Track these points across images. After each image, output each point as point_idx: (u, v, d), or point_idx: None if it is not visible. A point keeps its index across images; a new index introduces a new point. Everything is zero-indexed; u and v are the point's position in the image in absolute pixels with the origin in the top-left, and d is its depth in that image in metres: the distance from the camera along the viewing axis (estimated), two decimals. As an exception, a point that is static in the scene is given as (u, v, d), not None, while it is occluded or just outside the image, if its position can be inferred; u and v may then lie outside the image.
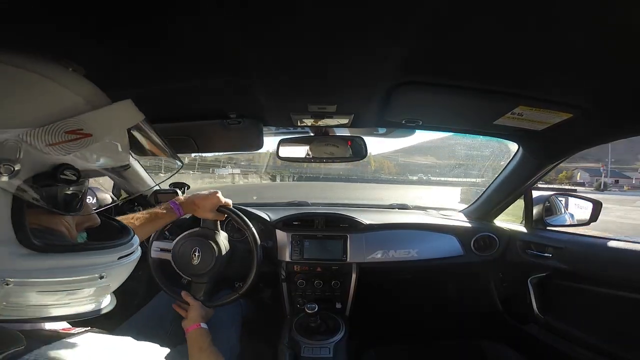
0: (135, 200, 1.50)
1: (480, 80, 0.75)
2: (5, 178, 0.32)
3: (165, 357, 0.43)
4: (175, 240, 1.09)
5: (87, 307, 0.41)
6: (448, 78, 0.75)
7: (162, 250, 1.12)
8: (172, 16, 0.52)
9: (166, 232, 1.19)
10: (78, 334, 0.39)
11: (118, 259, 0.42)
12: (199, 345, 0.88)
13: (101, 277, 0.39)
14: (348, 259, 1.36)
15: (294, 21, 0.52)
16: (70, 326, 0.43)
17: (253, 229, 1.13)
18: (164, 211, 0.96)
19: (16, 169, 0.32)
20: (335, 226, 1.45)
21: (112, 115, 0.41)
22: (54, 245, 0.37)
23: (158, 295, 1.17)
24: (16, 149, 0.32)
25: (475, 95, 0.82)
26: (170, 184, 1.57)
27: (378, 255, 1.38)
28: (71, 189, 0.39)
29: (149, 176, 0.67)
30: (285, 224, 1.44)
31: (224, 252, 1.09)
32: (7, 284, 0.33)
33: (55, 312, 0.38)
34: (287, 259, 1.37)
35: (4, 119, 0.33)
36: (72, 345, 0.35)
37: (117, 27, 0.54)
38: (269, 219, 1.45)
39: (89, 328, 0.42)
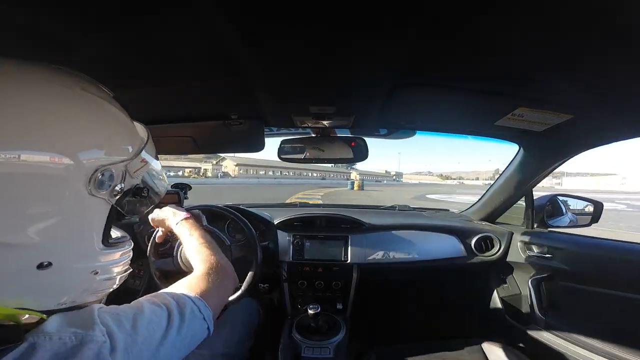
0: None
1: (481, 82, 0.75)
2: (114, 196, 0.43)
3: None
4: (176, 246, 1.11)
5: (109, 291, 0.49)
6: (448, 79, 0.76)
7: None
8: (173, 17, 0.53)
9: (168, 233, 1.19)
10: None
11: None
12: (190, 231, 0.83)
13: (127, 268, 0.51)
14: (349, 260, 1.37)
15: (294, 24, 0.52)
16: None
17: (253, 230, 1.13)
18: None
19: (120, 189, 0.44)
20: (336, 227, 1.45)
21: (151, 146, 0.51)
22: (112, 242, 0.47)
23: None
24: (122, 175, 0.43)
25: (476, 96, 0.83)
26: (172, 185, 1.58)
27: (379, 256, 1.38)
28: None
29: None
30: (286, 224, 1.44)
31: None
32: (97, 273, 0.44)
33: (96, 297, 0.46)
34: (289, 259, 1.38)
35: (116, 153, 0.43)
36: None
37: (117, 27, 0.55)
38: (270, 220, 1.45)
39: None
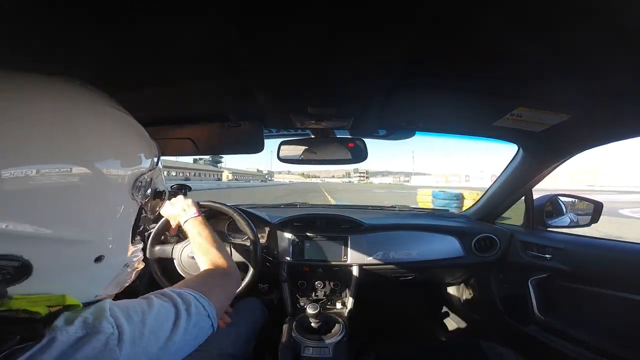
0: None
1: (480, 82, 0.75)
2: (145, 198, 0.50)
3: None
4: (176, 244, 1.12)
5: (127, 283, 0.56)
6: (448, 80, 0.76)
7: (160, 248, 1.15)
8: (172, 18, 0.53)
9: (167, 234, 1.21)
10: None
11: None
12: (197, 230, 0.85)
13: (141, 263, 0.58)
14: (349, 260, 1.37)
15: (293, 24, 0.52)
16: None
17: (255, 229, 1.14)
18: None
19: (149, 193, 0.52)
20: (336, 227, 1.45)
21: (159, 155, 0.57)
22: (136, 239, 0.54)
23: None
24: (150, 181, 0.51)
25: (475, 97, 0.83)
26: (172, 186, 1.59)
27: (378, 257, 1.38)
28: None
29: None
30: (286, 225, 1.45)
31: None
32: (127, 266, 0.52)
33: (120, 288, 0.53)
34: (288, 259, 1.38)
35: (148, 162, 0.50)
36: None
37: (117, 28, 0.55)
38: (270, 220, 1.46)
39: None
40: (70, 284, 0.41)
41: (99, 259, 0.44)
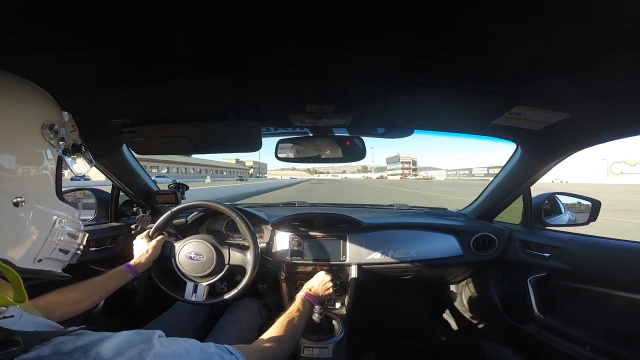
0: (135, 202, 1.51)
1: (478, 81, 0.75)
2: (59, 146, 0.53)
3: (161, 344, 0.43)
4: (175, 242, 1.12)
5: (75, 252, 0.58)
6: (447, 79, 0.75)
7: None
8: (170, 18, 0.52)
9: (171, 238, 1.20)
10: (74, 332, 0.40)
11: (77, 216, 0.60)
12: (297, 308, 0.89)
13: (85, 231, 0.60)
14: (347, 260, 1.37)
15: (292, 23, 0.52)
16: (63, 327, 0.45)
17: (253, 228, 1.14)
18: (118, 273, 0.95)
19: (63, 142, 0.54)
20: (335, 226, 1.45)
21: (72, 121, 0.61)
22: (66, 200, 0.55)
23: (176, 305, 1.20)
24: (62, 132, 0.54)
25: (473, 95, 0.82)
26: (170, 185, 1.58)
27: (377, 256, 1.38)
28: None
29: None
30: (284, 224, 1.44)
31: (223, 253, 1.11)
32: (61, 223, 0.53)
33: (67, 257, 0.56)
34: (287, 259, 1.37)
35: (55, 114, 0.54)
36: (70, 342, 0.36)
37: (114, 27, 0.54)
38: (268, 220, 1.45)
39: (84, 326, 0.43)
40: None
41: (17, 204, 0.44)
